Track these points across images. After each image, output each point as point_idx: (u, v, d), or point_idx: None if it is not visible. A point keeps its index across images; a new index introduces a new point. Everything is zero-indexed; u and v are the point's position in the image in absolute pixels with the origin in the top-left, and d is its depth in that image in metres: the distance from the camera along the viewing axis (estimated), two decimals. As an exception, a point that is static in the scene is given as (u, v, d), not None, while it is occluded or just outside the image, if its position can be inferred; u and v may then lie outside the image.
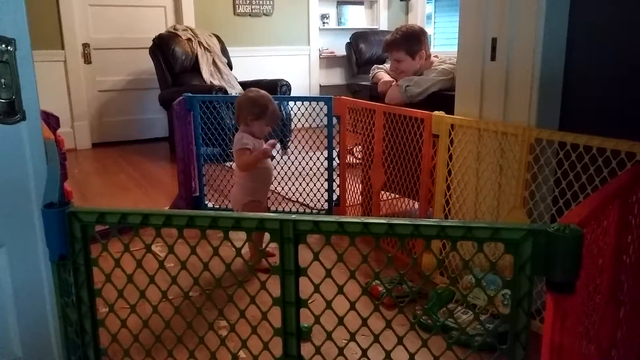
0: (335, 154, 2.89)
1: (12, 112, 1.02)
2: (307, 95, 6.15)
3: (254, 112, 2.31)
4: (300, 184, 2.97)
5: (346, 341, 0.98)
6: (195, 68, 4.94)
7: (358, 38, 6.33)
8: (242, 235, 0.91)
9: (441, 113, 2.15)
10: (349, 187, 2.93)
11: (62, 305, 0.96)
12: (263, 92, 2.40)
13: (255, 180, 2.35)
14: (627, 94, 1.76)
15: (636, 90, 1.74)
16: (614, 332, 1.24)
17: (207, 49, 5.05)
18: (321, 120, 2.91)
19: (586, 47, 1.83)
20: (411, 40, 2.75)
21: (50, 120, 2.04)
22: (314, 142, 2.93)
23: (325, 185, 2.94)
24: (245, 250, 2.40)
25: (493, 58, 1.96)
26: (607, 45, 1.79)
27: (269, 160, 2.42)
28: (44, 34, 4.73)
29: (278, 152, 2.41)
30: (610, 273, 1.16)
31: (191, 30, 5.07)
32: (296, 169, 2.94)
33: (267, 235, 0.92)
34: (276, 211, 3.08)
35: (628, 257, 1.27)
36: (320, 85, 6.42)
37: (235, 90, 4.95)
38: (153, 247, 0.96)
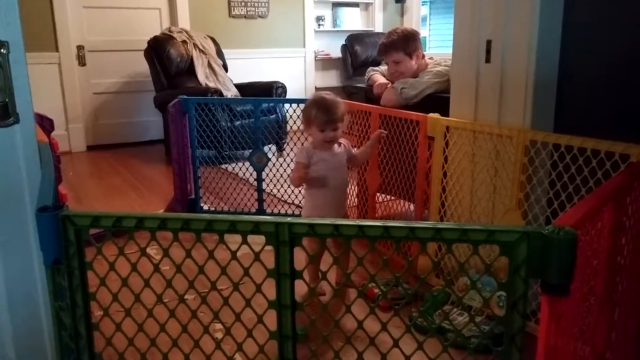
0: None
1: (6, 115, 1.01)
2: (303, 97, 6.15)
3: (303, 122, 2.12)
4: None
5: (342, 344, 0.97)
6: (190, 70, 4.93)
7: (353, 40, 6.34)
8: (238, 238, 0.91)
9: (436, 115, 2.16)
10: (345, 189, 2.92)
11: (57, 309, 0.95)
12: (314, 95, 2.15)
13: (316, 198, 2.13)
14: (621, 96, 1.77)
15: (630, 91, 1.75)
16: (608, 333, 1.24)
17: (202, 51, 5.04)
18: (316, 122, 2.91)
19: (580, 49, 1.84)
20: (408, 40, 2.76)
21: (45, 123, 2.04)
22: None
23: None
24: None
25: (488, 60, 1.96)
26: (601, 47, 1.80)
27: (340, 176, 2.12)
28: (37, 36, 4.72)
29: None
30: (605, 275, 1.17)
31: (186, 32, 5.06)
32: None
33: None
34: (272, 214, 3.08)
35: (622, 259, 1.27)
36: (315, 87, 6.42)
37: (230, 93, 4.94)
38: (148, 250, 0.96)
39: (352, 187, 2.85)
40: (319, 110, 2.03)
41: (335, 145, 2.11)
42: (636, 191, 1.29)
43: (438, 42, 6.56)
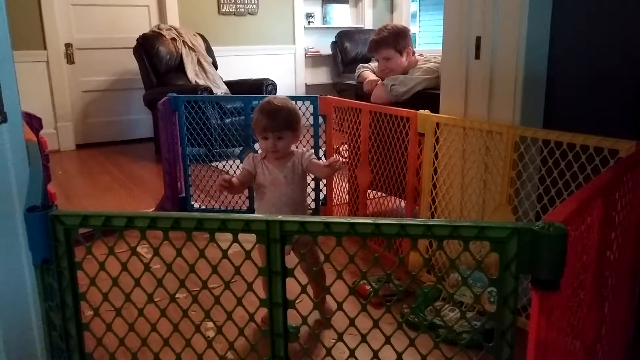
0: (321, 153, 2.89)
1: (-7, 114, 1.00)
2: (293, 94, 6.14)
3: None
4: (287, 184, 2.96)
5: (334, 341, 0.98)
6: (180, 68, 4.91)
7: (343, 37, 6.33)
8: (229, 236, 0.91)
9: (426, 112, 2.16)
10: (336, 186, 2.93)
11: (46, 310, 0.95)
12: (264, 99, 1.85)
13: (257, 209, 1.90)
14: (610, 92, 1.78)
15: (618, 87, 1.76)
16: (598, 327, 1.25)
17: (191, 48, 5.02)
18: (307, 119, 2.91)
19: (569, 46, 1.84)
20: (399, 37, 2.77)
21: (33, 122, 2.01)
22: (300, 142, 2.92)
23: (312, 184, 2.93)
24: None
25: (477, 56, 1.97)
26: (589, 43, 1.81)
27: (281, 192, 1.80)
28: (25, 34, 4.67)
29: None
30: (595, 269, 1.18)
31: (175, 29, 5.04)
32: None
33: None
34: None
35: (612, 254, 1.28)
36: (305, 84, 6.42)
37: (220, 90, 4.92)
38: (138, 249, 0.95)
39: (344, 184, 2.85)
40: (260, 113, 1.75)
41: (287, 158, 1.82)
42: (625, 186, 1.30)
43: (428, 39, 6.57)
